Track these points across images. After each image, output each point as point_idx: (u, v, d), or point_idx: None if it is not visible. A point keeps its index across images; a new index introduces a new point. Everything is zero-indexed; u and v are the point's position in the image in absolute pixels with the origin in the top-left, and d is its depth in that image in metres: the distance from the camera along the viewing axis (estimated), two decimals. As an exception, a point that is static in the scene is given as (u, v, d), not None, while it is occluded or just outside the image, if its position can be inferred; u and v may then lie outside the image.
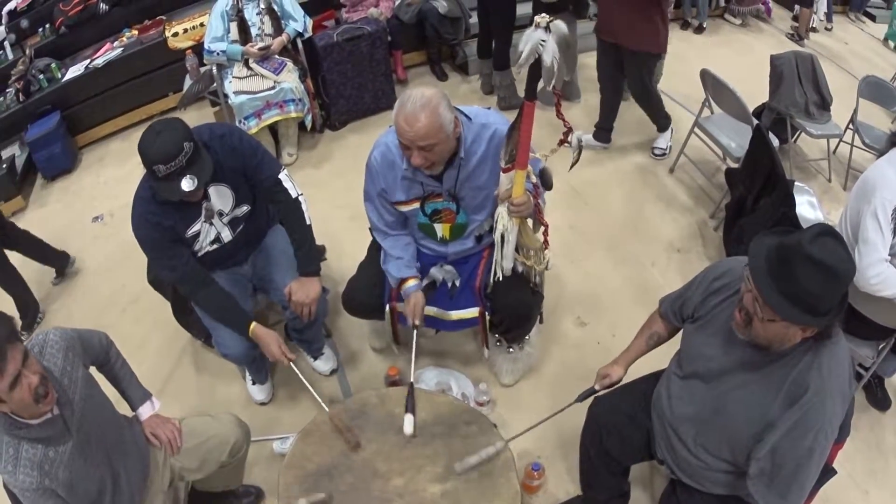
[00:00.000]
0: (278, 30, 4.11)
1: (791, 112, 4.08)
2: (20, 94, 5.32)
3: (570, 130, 2.13)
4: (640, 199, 4.01)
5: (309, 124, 4.42)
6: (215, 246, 2.46)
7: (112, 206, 4.27)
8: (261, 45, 4.02)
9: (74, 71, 5.32)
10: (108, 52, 5.14)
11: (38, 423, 1.67)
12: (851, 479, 2.58)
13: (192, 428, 2.14)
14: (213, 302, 2.41)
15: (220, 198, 2.38)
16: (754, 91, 4.25)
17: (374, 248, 2.64)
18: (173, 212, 2.28)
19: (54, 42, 5.50)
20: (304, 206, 2.48)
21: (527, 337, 2.78)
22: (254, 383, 2.93)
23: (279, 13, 4.10)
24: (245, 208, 2.47)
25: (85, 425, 1.77)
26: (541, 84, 1.99)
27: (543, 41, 1.91)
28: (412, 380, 2.28)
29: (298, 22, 4.19)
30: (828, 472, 1.86)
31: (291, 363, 2.36)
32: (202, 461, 2.12)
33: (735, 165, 3.67)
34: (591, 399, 2.16)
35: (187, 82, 4.56)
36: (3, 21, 5.62)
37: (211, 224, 2.40)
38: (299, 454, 2.10)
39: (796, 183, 3.53)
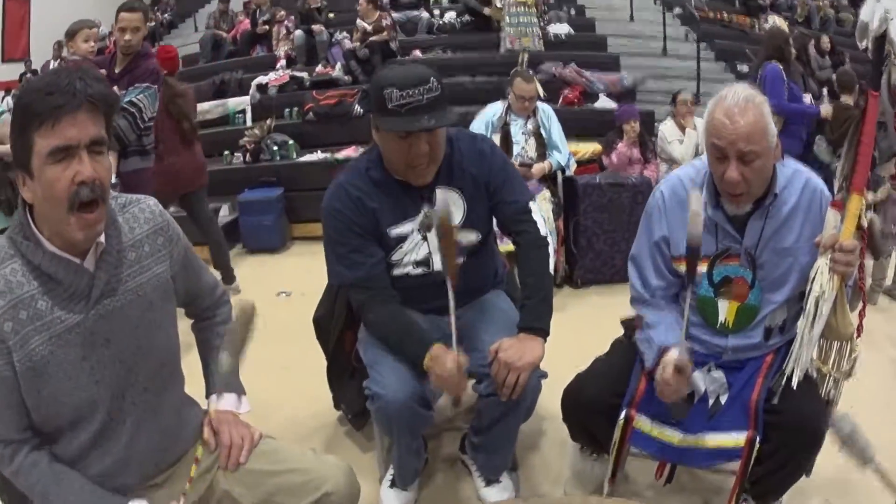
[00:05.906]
0: (541, 156, 3.83)
1: None
2: (247, 155, 5.38)
3: None
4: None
5: (552, 269, 3.90)
6: (420, 270, 1.84)
7: (307, 288, 3.42)
8: (520, 162, 3.73)
9: (310, 157, 5.38)
10: (350, 154, 5.16)
11: (57, 251, 1.15)
12: None
13: (275, 449, 1.42)
14: (391, 321, 1.78)
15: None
16: None
17: (620, 343, 1.92)
18: (384, 195, 1.76)
19: (296, 125, 5.71)
20: (550, 250, 1.86)
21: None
22: (392, 485, 2.06)
23: (546, 140, 3.85)
24: (473, 236, 1.87)
25: (110, 326, 1.21)
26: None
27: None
28: None
29: (563, 154, 3.90)
30: None
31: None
32: (264, 499, 1.35)
33: None
34: None
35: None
36: (251, 91, 6.17)
37: (424, 238, 1.81)
38: None
39: None
